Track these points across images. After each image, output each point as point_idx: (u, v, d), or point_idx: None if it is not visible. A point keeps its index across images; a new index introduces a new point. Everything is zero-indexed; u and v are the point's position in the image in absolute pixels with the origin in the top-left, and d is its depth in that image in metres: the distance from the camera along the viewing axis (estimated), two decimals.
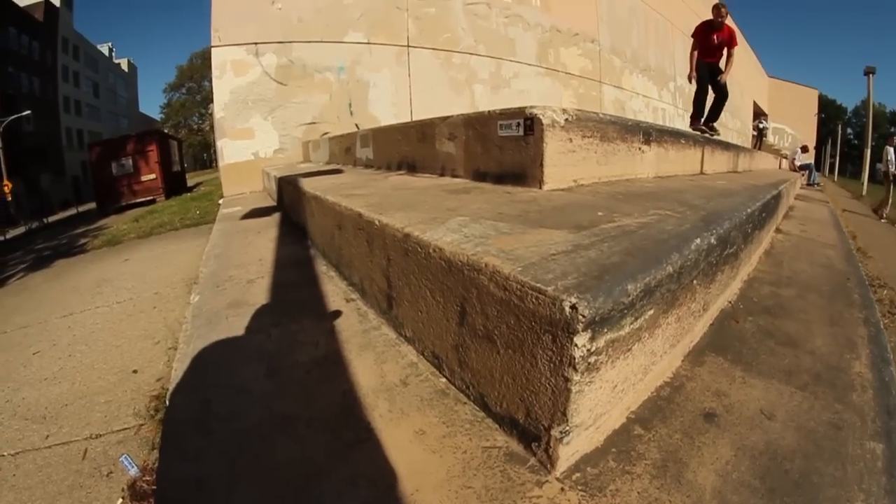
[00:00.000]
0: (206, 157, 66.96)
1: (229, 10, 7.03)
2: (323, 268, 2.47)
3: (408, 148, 3.36)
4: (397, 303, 1.69)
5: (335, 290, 2.19)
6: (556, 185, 2.19)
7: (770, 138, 22.40)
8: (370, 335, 1.81)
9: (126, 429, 1.84)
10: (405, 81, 8.23)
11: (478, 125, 2.54)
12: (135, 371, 2.29)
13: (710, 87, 6.40)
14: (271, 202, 5.36)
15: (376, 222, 1.77)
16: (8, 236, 17.57)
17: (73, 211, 27.41)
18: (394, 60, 8.13)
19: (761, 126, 20.15)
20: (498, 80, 9.30)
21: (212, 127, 55.54)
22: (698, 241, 1.46)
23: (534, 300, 1.02)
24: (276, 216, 4.14)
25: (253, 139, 7.21)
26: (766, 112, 28.38)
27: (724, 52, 6.39)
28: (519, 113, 2.21)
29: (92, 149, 16.23)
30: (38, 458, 1.86)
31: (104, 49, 63.49)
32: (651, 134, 3.01)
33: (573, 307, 0.95)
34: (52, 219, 21.78)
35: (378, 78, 7.99)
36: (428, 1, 8.58)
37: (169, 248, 5.41)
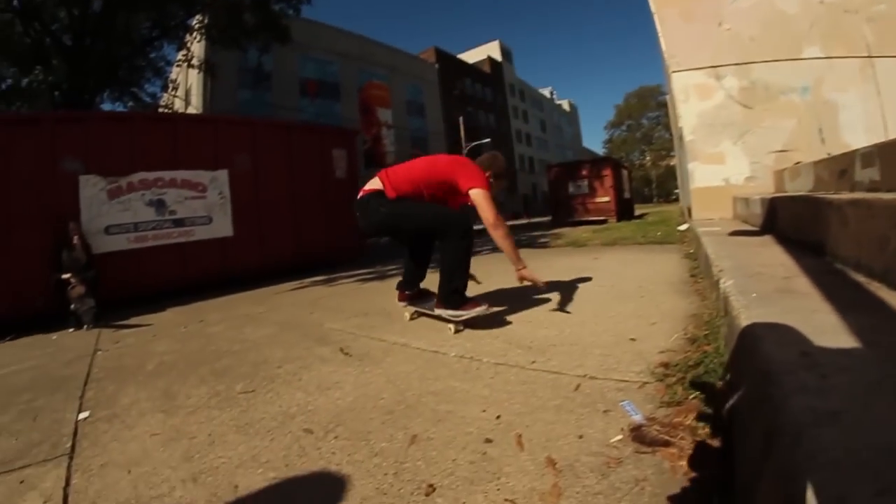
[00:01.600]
0: (646, 191, 72.11)
1: (680, 36, 7.92)
2: (861, 279, 2.18)
3: None
4: None
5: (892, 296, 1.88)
6: None
7: None
8: None
9: (626, 381, 2.06)
10: (875, 101, 7.43)
11: None
12: (632, 339, 2.57)
13: None
14: (748, 228, 5.09)
15: None
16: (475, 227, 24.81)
17: (524, 220, 35.26)
18: (858, 76, 7.52)
19: None
20: None
21: (653, 162, 59.72)
22: None
23: None
24: (766, 237, 3.97)
25: (723, 164, 7.47)
26: None
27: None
28: None
29: (550, 170, 20.35)
30: (520, 374, 2.32)
31: (546, 92, 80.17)
32: None
33: None
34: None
35: (845, 98, 7.48)
36: None
37: (639, 255, 5.84)
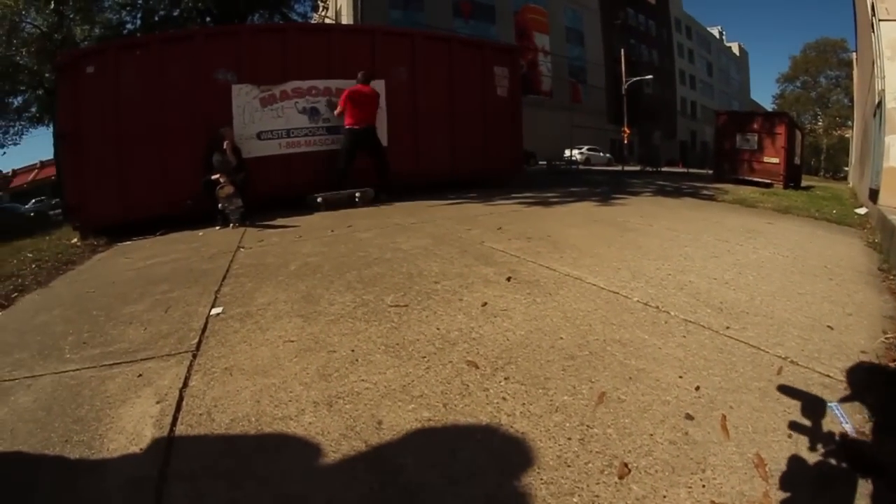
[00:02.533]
0: (812, 162, 63.01)
1: None
2: None
3: None
4: None
5: None
6: None
7: None
8: None
9: (830, 377, 1.83)
10: None
11: None
12: (829, 327, 2.29)
13: None
14: None
15: None
16: (625, 169, 23.22)
17: (680, 169, 32.47)
18: None
19: None
20: None
21: (825, 130, 51.25)
22: None
23: None
24: None
25: None
26: None
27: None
28: None
29: (719, 116, 18.16)
30: (715, 339, 2.09)
31: (714, 31, 71.78)
32: None
33: None
34: (662, 169, 26.32)
35: None
36: None
37: (816, 231, 5.16)
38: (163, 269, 3.78)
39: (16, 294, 3.75)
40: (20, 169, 42.61)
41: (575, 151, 28.45)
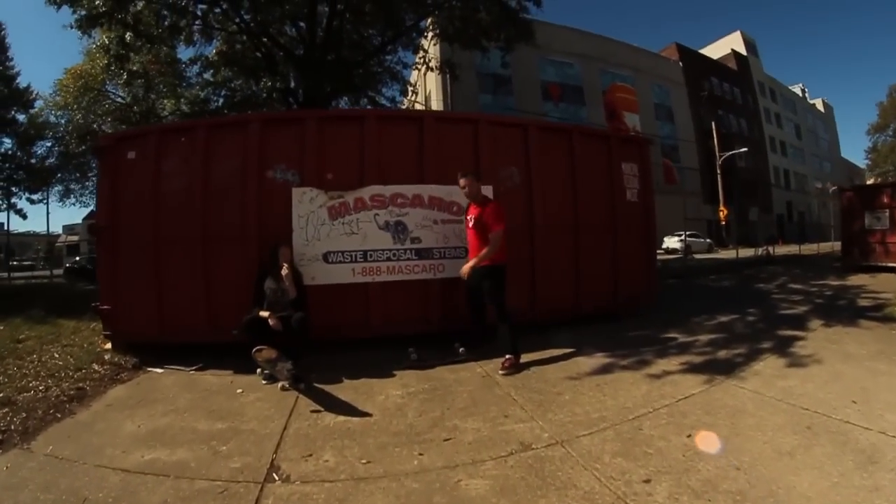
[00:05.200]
0: None
1: None
2: None
3: None
4: None
5: None
6: None
7: None
8: None
9: None
10: None
11: None
12: None
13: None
14: None
15: None
16: (739, 257, 20.52)
17: (782, 246, 29.28)
18: None
19: None
20: None
21: None
22: None
23: None
24: None
25: None
26: None
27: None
28: None
29: (843, 194, 16.42)
30: None
31: (796, 90, 69.25)
32: None
33: None
34: (774, 252, 23.21)
35: None
36: None
37: None
38: (153, 496, 2.49)
39: None
40: None
41: (674, 239, 26.56)
